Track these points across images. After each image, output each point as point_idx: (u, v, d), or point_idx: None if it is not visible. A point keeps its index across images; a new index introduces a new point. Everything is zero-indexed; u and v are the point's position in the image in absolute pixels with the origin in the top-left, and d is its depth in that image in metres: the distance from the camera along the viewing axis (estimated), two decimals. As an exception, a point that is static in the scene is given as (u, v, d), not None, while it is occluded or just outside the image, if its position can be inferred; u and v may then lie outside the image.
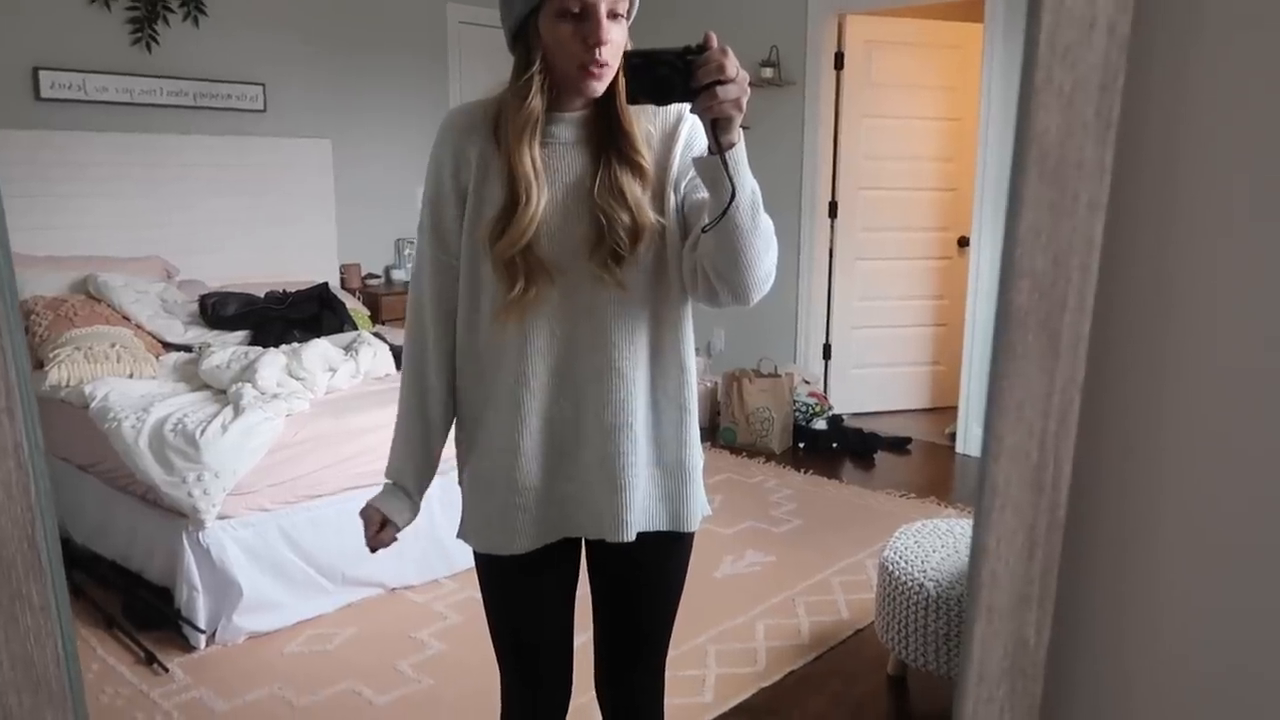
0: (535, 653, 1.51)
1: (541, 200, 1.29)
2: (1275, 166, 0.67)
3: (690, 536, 1.49)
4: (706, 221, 1.23)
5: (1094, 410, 0.69)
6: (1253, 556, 0.73)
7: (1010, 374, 0.65)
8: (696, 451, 1.45)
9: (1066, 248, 0.63)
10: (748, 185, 1.19)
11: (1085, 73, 0.60)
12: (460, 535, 1.47)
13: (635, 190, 1.30)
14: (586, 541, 1.48)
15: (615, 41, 1.24)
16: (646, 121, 1.34)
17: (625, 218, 1.29)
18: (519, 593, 1.48)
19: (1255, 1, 0.66)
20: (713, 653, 2.62)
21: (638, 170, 1.30)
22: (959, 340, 4.39)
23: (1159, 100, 0.65)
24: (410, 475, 1.46)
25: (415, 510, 1.47)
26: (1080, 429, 0.67)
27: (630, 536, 1.39)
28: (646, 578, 1.49)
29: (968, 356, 4.30)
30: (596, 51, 1.22)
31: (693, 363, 1.42)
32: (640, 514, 1.40)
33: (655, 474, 1.41)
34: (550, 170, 1.31)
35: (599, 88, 1.27)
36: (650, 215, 1.31)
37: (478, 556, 1.47)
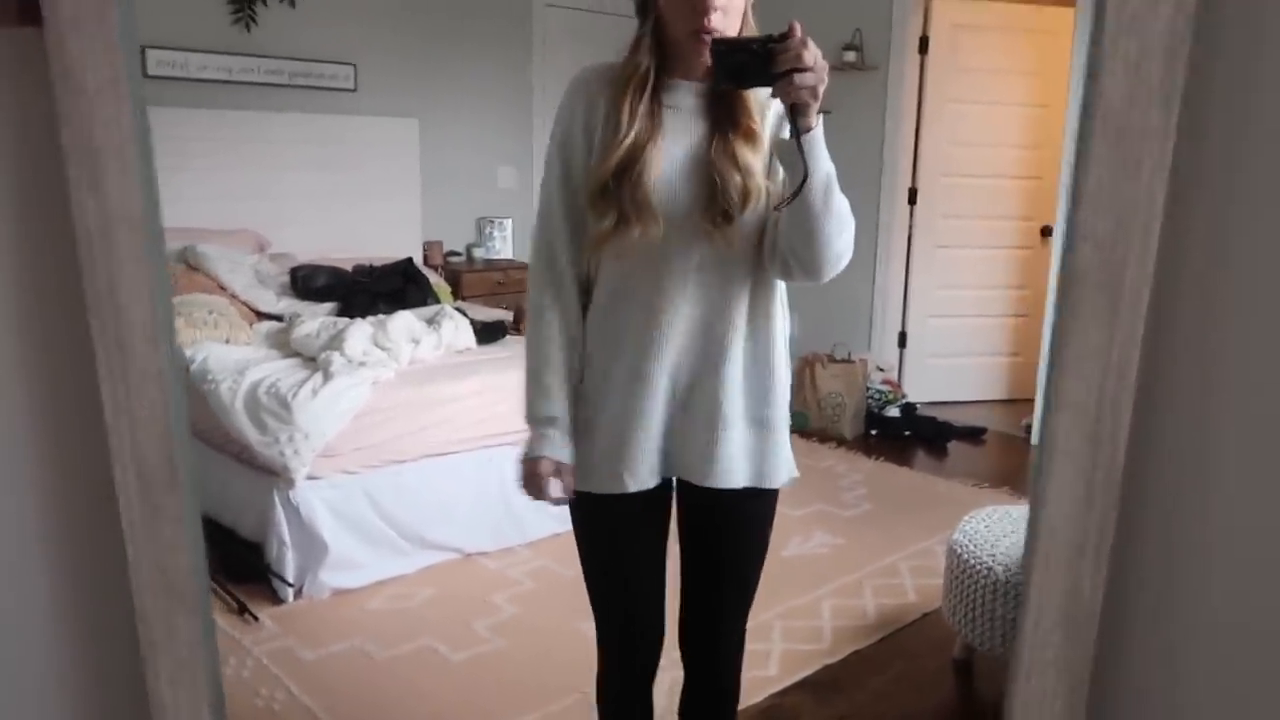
0: (635, 598, 1.57)
1: (634, 133, 1.35)
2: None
3: (774, 495, 1.55)
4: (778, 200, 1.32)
5: (1153, 368, 0.71)
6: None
7: (1072, 330, 0.68)
8: (783, 412, 1.51)
9: (1130, 210, 0.65)
10: (822, 169, 1.27)
11: (1151, 40, 0.63)
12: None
13: (748, 156, 1.37)
14: (677, 493, 1.54)
15: (730, 9, 1.32)
16: (764, 95, 1.40)
17: (737, 180, 1.36)
18: (624, 534, 1.52)
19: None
20: (779, 628, 2.66)
21: (752, 137, 1.38)
22: (1039, 331, 4.31)
23: (1225, 68, 0.67)
24: (562, 407, 1.44)
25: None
26: (1139, 386, 0.69)
27: (721, 482, 1.45)
28: (732, 530, 1.56)
29: (1047, 348, 4.22)
30: (706, 19, 1.29)
31: (783, 326, 1.50)
32: (729, 464, 1.46)
33: (746, 430, 1.47)
34: (671, 132, 1.39)
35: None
36: (760, 180, 1.38)
37: (582, 500, 1.48)
